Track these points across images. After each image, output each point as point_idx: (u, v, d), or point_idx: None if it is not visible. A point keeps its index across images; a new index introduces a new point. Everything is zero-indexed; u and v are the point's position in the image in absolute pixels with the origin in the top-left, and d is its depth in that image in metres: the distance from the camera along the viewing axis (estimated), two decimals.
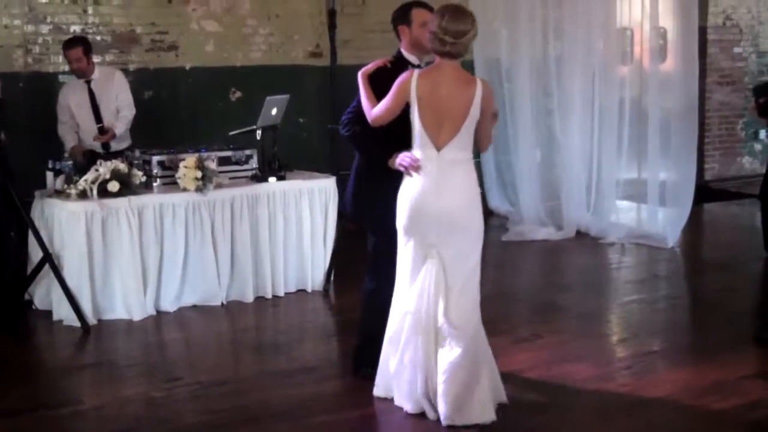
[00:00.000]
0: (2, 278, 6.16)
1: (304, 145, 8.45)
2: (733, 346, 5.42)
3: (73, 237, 5.91)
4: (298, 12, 8.63)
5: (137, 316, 6.05)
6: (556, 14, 8.76)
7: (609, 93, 8.52)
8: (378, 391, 4.60)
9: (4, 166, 6.03)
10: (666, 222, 8.25)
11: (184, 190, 6.21)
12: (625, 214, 8.81)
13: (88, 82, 6.95)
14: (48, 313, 6.09)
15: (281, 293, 6.59)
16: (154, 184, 6.31)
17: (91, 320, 5.94)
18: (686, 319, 6.33)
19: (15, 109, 7.34)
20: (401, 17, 4.71)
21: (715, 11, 11.10)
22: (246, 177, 6.64)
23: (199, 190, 6.20)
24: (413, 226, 4.33)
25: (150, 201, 6.13)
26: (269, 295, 6.53)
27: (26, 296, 6.25)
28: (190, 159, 6.21)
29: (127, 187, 6.04)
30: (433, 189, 4.29)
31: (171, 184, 6.30)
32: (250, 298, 6.46)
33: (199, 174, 6.17)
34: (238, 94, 8.46)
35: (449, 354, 4.26)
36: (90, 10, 7.82)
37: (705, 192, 10.02)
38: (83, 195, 5.96)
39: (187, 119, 8.15)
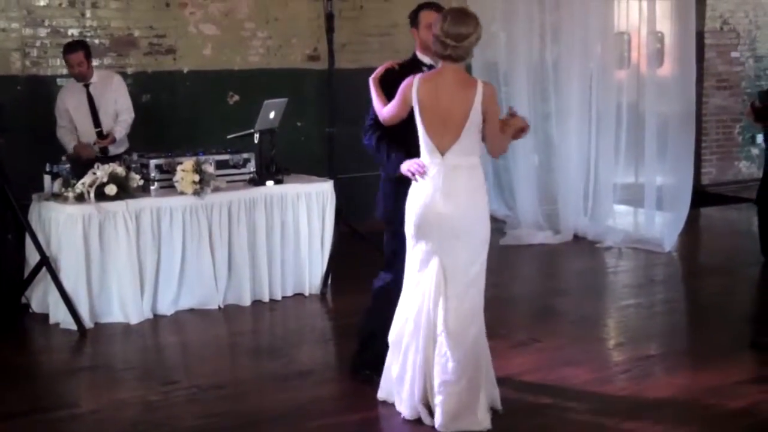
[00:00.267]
0: None
1: (301, 148, 8.45)
2: (730, 351, 5.42)
3: (70, 240, 5.91)
4: (296, 15, 8.64)
5: (134, 320, 6.05)
6: (553, 18, 8.77)
7: (606, 97, 8.53)
8: (381, 394, 4.60)
9: (1, 170, 6.03)
10: (663, 226, 8.26)
11: (182, 193, 6.21)
12: (622, 218, 8.82)
13: (87, 86, 6.94)
14: (45, 317, 6.09)
15: (278, 297, 6.59)
16: (152, 188, 6.31)
17: (88, 323, 5.94)
18: (683, 324, 6.34)
19: (12, 113, 7.32)
20: (412, 19, 4.75)
21: (712, 16, 11.13)
22: (244, 180, 6.64)
23: (196, 193, 6.20)
24: (418, 232, 4.33)
25: (147, 204, 6.13)
26: (266, 299, 6.53)
27: (23, 299, 6.24)
28: (187, 162, 6.21)
29: (125, 191, 6.04)
30: (436, 195, 4.28)
31: (168, 187, 6.30)
32: (247, 301, 6.46)
33: (196, 177, 6.17)
34: (236, 97, 8.46)
35: (446, 362, 4.24)
36: (88, 14, 7.82)
37: (702, 196, 10.04)
38: (80, 198, 5.96)
39: (185, 123, 8.14)
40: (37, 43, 7.65)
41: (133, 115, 7.08)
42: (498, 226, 8.96)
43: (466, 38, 4.20)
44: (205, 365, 5.40)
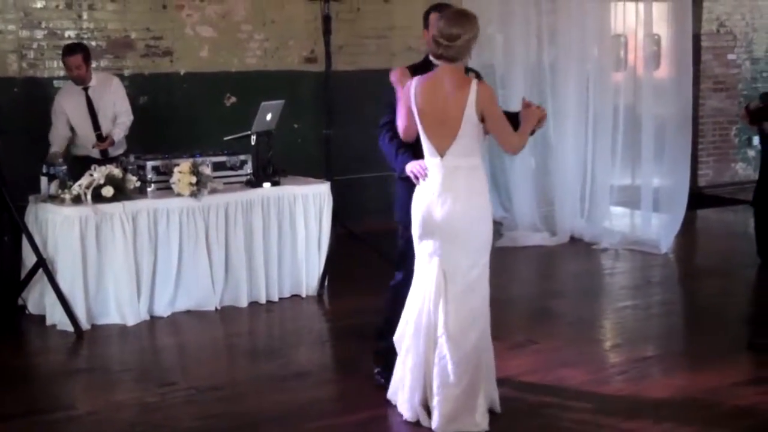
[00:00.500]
0: None
1: (298, 150, 8.45)
2: (727, 352, 5.43)
3: (67, 242, 5.90)
4: (293, 18, 8.64)
5: (131, 321, 6.04)
6: (550, 20, 8.78)
7: (603, 99, 8.54)
8: (389, 394, 4.60)
9: None
10: (660, 228, 8.27)
11: (179, 195, 6.20)
12: (618, 220, 8.83)
13: (86, 89, 6.92)
14: (41, 318, 6.08)
15: (275, 298, 6.58)
16: (149, 189, 6.31)
17: (85, 325, 5.93)
18: (680, 325, 6.34)
19: (9, 114, 7.35)
20: (424, 20, 4.76)
21: (709, 18, 11.15)
22: (240, 182, 6.64)
23: (193, 195, 6.20)
24: (421, 233, 4.34)
25: (144, 206, 6.13)
26: (263, 300, 6.53)
27: (20, 301, 6.23)
28: (184, 164, 6.21)
29: (122, 192, 6.04)
30: (435, 197, 4.28)
31: (165, 189, 6.29)
32: (244, 303, 6.45)
33: (193, 179, 6.17)
34: (233, 99, 8.46)
35: (446, 365, 4.24)
36: (85, 16, 7.81)
37: (699, 198, 10.05)
38: (77, 200, 5.96)
39: (181, 125, 8.14)
40: (34, 45, 7.64)
41: (131, 117, 7.07)
42: (495, 227, 8.91)
43: (458, 38, 4.17)
44: (202, 367, 5.40)
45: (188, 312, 6.30)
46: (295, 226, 6.63)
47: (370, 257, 7.28)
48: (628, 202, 8.84)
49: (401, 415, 4.43)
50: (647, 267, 7.71)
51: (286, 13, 8.62)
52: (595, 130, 8.56)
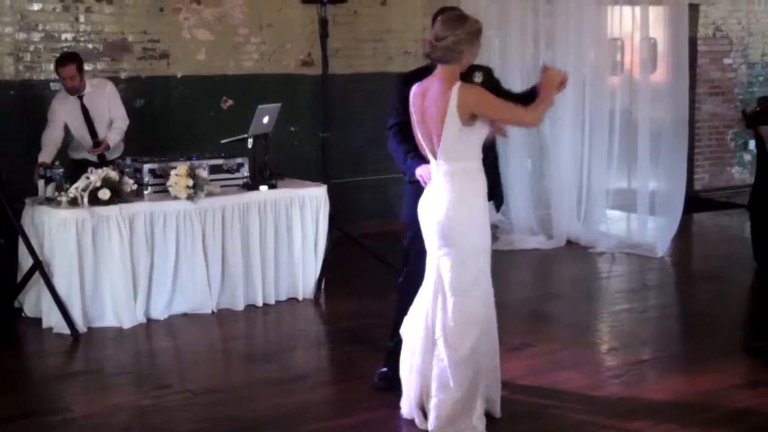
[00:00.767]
0: None
1: (295, 153, 8.45)
2: (723, 356, 5.43)
3: (63, 244, 5.90)
4: (290, 21, 8.64)
5: (127, 324, 6.04)
6: (547, 24, 8.79)
7: (599, 103, 8.55)
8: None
9: None
10: (656, 232, 8.28)
11: (175, 198, 6.20)
12: (615, 223, 8.84)
13: (80, 97, 6.89)
14: (38, 321, 6.07)
15: (272, 301, 6.58)
16: (145, 192, 6.31)
17: (81, 328, 5.93)
18: (676, 329, 6.35)
19: (6, 117, 7.36)
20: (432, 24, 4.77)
21: (705, 22, 11.18)
22: (237, 185, 6.64)
23: (190, 198, 6.20)
24: (424, 236, 4.36)
25: (141, 209, 6.13)
26: (260, 303, 6.52)
27: (16, 304, 6.23)
28: (181, 167, 6.21)
29: (118, 195, 6.04)
30: (427, 200, 4.30)
31: (162, 192, 6.29)
32: (240, 306, 6.45)
33: (190, 182, 6.17)
34: (230, 102, 8.46)
35: (444, 368, 4.23)
36: (82, 18, 7.81)
37: (695, 202, 10.07)
38: (74, 203, 5.95)
39: (178, 128, 8.14)
40: (31, 48, 7.64)
41: (127, 121, 7.06)
42: (491, 231, 8.96)
43: (442, 39, 4.18)
44: (199, 370, 5.40)
45: (185, 315, 6.30)
46: (291, 229, 6.63)
47: (367, 260, 7.29)
48: (624, 206, 8.85)
49: (398, 418, 4.44)
50: (643, 270, 7.72)
51: (282, 17, 8.62)
52: (591, 134, 8.57)
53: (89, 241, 5.94)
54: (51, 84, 7.57)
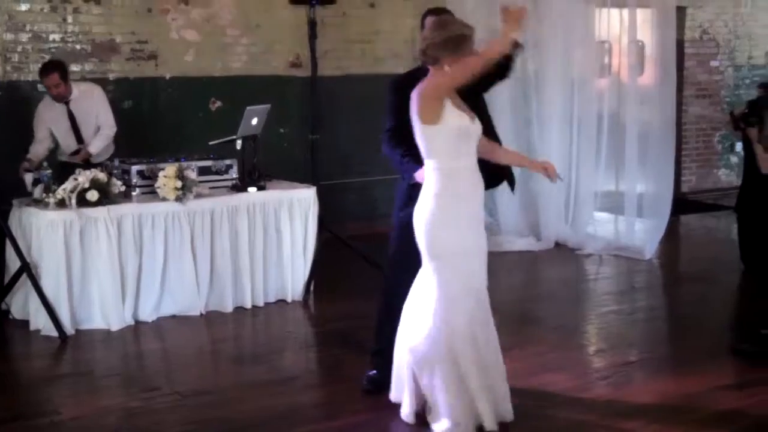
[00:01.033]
0: None
1: (284, 155, 8.45)
2: (710, 357, 5.45)
3: (51, 246, 5.88)
4: (279, 22, 8.64)
5: (115, 326, 6.02)
6: (535, 26, 8.80)
7: (587, 105, 8.58)
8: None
9: None
10: (643, 233, 8.31)
11: (164, 199, 6.19)
12: (602, 225, 8.86)
13: (67, 103, 6.84)
14: (25, 323, 6.05)
15: (261, 303, 6.58)
16: (134, 194, 6.30)
17: (69, 330, 5.91)
18: (663, 331, 6.37)
19: None
20: (421, 24, 4.77)
21: (692, 25, 11.23)
22: (226, 187, 6.63)
23: (178, 199, 6.19)
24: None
25: (129, 210, 6.11)
26: (249, 305, 6.52)
27: (3, 306, 6.21)
28: (169, 168, 6.20)
29: (106, 197, 6.02)
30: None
31: (150, 193, 6.29)
32: (229, 308, 6.45)
33: (178, 183, 6.16)
34: (219, 103, 8.45)
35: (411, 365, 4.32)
36: (70, 19, 7.79)
37: (682, 204, 10.11)
38: (62, 204, 5.93)
39: (167, 129, 8.13)
40: (19, 48, 7.61)
41: (114, 128, 7.00)
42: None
43: (423, 41, 4.24)
44: (187, 372, 5.39)
45: (173, 317, 6.29)
46: (280, 231, 6.63)
47: (356, 262, 7.29)
48: (612, 208, 8.87)
49: (387, 420, 4.45)
50: (631, 272, 7.75)
51: (271, 18, 8.62)
52: (579, 136, 8.60)
53: (77, 242, 5.92)
54: (38, 85, 7.52)
